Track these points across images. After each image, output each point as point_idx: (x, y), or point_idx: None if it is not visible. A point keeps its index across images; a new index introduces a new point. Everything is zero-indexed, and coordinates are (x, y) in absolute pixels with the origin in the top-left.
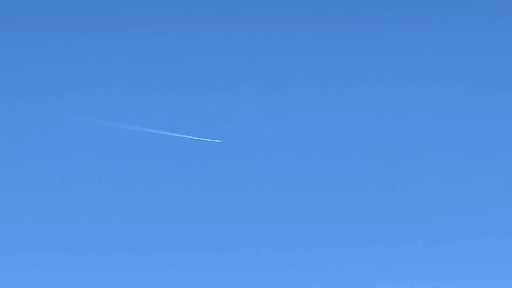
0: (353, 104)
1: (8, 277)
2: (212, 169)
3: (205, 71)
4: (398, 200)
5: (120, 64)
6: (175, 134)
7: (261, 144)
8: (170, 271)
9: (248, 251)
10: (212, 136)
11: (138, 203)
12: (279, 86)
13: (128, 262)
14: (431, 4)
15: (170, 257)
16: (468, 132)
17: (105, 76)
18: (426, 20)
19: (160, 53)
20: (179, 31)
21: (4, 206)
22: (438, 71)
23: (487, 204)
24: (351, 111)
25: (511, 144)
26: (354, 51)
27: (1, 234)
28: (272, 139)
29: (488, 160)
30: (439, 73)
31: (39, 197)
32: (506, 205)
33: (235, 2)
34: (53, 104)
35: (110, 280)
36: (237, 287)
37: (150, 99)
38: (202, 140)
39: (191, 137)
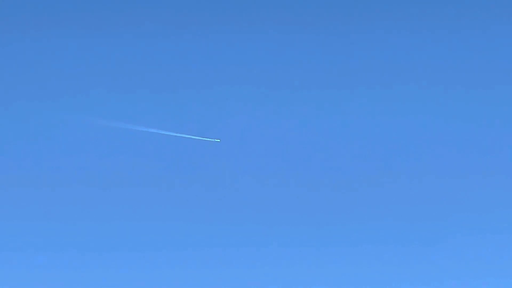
0: (353, 104)
1: (8, 277)
2: (211, 168)
3: (205, 71)
4: (398, 200)
5: (120, 64)
6: (175, 134)
7: (261, 143)
8: (170, 271)
9: (248, 250)
10: (212, 136)
11: (137, 201)
12: (279, 86)
13: (128, 261)
14: (431, 5)
15: (170, 256)
16: (468, 132)
17: (105, 76)
18: (427, 22)
19: (160, 53)
20: (179, 31)
21: (4, 206)
22: (438, 72)
23: (487, 204)
24: (351, 111)
25: (511, 144)
26: (355, 52)
27: (1, 234)
28: (272, 139)
29: (488, 160)
30: (439, 74)
31: (39, 197)
32: (506, 205)
33: (235, 2)
34: (53, 104)
35: (110, 279)
36: (237, 286)
37: (150, 99)
38: (201, 139)
39: (191, 136)
